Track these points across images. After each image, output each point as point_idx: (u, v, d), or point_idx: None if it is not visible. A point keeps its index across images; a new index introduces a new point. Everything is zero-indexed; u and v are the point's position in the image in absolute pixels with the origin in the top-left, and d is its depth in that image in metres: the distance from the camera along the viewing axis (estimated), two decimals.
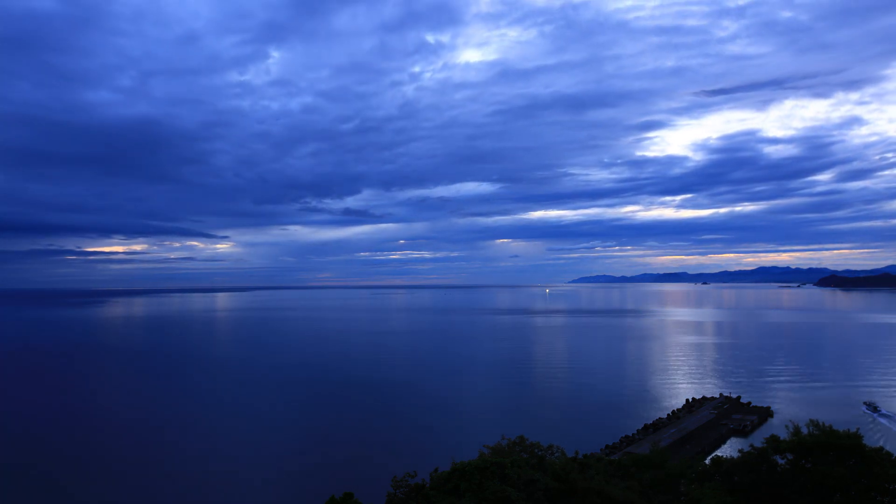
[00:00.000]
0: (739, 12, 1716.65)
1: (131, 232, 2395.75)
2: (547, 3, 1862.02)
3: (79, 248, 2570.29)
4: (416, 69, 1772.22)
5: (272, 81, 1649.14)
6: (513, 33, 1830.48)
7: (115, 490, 67.26)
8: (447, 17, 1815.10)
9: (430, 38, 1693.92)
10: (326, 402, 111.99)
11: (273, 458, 77.79)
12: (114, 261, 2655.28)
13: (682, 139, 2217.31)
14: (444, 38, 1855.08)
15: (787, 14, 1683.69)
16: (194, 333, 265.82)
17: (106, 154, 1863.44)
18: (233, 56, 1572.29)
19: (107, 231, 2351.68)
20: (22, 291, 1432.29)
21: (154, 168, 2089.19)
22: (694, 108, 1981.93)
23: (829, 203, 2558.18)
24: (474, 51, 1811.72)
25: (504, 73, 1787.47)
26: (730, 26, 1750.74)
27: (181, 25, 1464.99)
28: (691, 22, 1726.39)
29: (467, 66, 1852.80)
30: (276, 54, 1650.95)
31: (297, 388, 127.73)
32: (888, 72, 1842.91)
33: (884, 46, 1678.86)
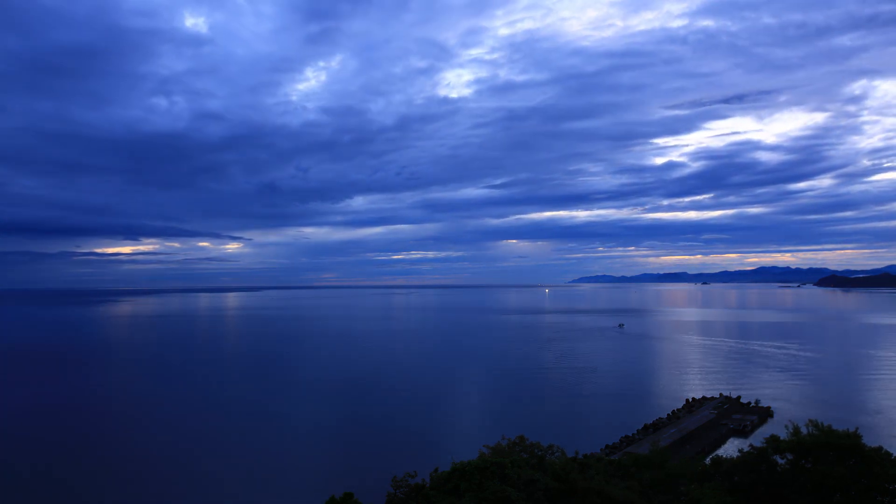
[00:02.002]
0: (682, 40, 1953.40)
1: (152, 235, 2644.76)
2: (510, 34, 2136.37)
3: (104, 249, 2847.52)
4: (413, 89, 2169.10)
5: (281, 102, 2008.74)
6: (489, 57, 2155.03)
7: (112, 489, 67.27)
8: (433, 48, 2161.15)
9: (423, 63, 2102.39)
10: (326, 402, 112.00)
11: (273, 458, 77.77)
12: (137, 261, 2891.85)
13: (675, 147, 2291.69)
14: (433, 63, 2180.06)
15: (725, 39, 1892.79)
16: (200, 332, 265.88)
17: (133, 165, 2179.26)
18: (250, 84, 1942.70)
19: (132, 234, 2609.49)
20: (54, 291, 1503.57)
21: (175, 177, 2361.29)
22: (673, 120, 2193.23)
23: (830, 205, 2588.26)
24: (459, 72, 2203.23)
25: (485, 90, 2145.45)
26: (676, 49, 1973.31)
27: (208, 59, 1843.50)
28: (638, 48, 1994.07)
29: (453, 85, 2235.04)
30: (287, 83, 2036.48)
31: (296, 387, 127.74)
32: (849, 89, 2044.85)
33: (831, 67, 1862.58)
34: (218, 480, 70.77)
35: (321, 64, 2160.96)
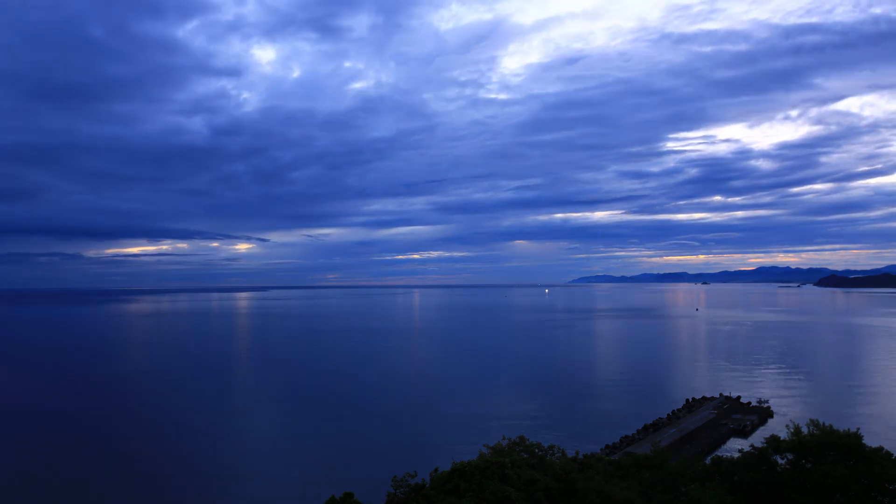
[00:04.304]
0: (629, 68, 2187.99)
1: (172, 237, 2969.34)
2: (478, 61, 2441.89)
3: (128, 250, 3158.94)
4: (404, 108, 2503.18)
5: (289, 119, 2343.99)
6: (464, 77, 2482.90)
7: (108, 486, 67.25)
8: (418, 75, 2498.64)
9: (407, 85, 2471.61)
10: (326, 402, 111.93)
11: (272, 458, 77.77)
12: (162, 262, 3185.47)
13: (673, 153, 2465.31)
14: (417, 85, 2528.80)
15: (666, 66, 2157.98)
16: (206, 331, 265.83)
17: (157, 174, 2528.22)
18: (263, 106, 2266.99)
19: (154, 236, 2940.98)
20: (83, 291, 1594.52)
21: (195, 184, 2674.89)
22: (643, 129, 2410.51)
23: (831, 206, 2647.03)
24: (441, 92, 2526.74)
25: (457, 109, 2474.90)
26: (627, 74, 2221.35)
27: (229, 86, 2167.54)
28: (593, 72, 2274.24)
29: (438, 102, 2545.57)
30: (293, 103, 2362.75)
31: (295, 386, 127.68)
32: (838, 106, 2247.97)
33: (780, 84, 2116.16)
34: (218, 480, 70.77)
35: (324, 87, 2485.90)
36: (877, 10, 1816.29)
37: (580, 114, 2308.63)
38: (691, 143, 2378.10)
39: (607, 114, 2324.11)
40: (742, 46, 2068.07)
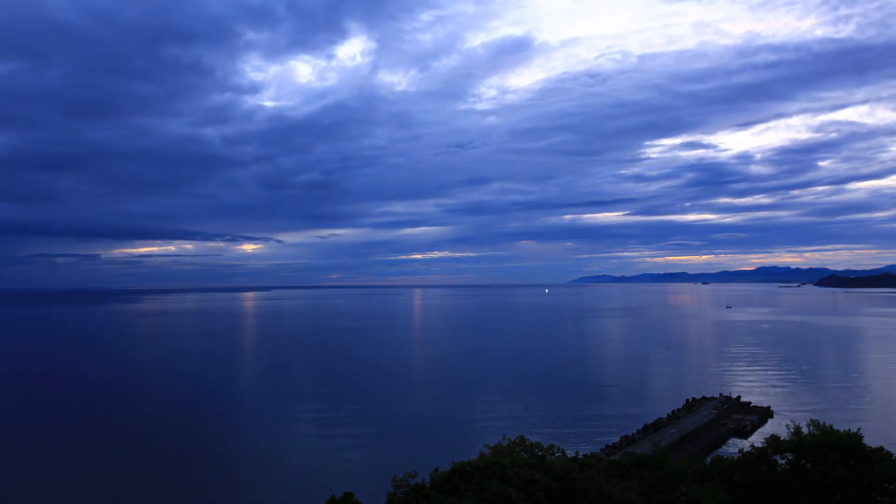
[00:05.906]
0: (599, 90, 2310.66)
1: (182, 238, 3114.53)
2: (455, 76, 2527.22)
3: (141, 250, 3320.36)
4: (395, 120, 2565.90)
5: (289, 128, 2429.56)
6: (448, 91, 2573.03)
7: (108, 486, 67.25)
8: (408, 89, 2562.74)
9: (395, 98, 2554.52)
10: (325, 402, 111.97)
11: (272, 458, 77.74)
12: (178, 262, 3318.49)
13: (673, 158, 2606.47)
14: (403, 96, 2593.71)
15: (631, 82, 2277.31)
16: (210, 329, 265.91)
17: (172, 179, 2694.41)
18: (267, 117, 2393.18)
19: (167, 237, 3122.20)
20: (106, 290, 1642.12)
21: (206, 188, 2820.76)
22: (623, 135, 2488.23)
23: (832, 207, 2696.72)
24: (425, 106, 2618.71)
25: (454, 115, 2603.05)
26: (599, 88, 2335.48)
27: (233, 99, 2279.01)
28: (563, 86, 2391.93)
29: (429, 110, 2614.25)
30: (295, 114, 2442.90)
31: (295, 386, 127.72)
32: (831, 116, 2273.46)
33: (754, 91, 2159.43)
34: (217, 480, 70.73)
35: (325, 99, 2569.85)
36: (818, 33, 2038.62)
37: (559, 123, 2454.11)
38: (686, 149, 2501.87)
39: (584, 123, 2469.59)
40: (701, 66, 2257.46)
